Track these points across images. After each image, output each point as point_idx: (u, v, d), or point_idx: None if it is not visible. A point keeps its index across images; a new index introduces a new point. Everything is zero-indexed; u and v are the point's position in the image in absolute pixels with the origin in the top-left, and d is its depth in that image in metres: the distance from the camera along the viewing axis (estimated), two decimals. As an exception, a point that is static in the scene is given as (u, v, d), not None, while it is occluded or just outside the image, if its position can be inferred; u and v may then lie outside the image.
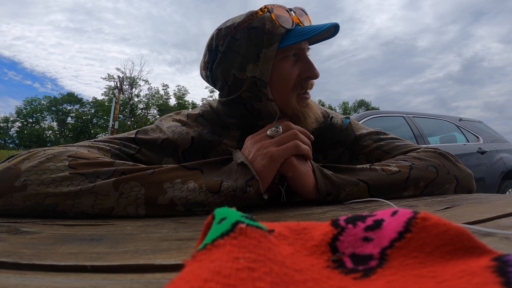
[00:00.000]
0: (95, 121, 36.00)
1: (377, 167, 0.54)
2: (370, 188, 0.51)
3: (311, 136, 0.54)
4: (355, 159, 0.67)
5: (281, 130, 0.51)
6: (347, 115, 0.75)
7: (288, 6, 0.60)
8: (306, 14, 0.61)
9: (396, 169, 0.54)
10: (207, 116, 0.66)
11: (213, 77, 0.62)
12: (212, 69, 0.61)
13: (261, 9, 0.57)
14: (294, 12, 0.58)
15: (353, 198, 0.50)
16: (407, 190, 0.54)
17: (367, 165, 0.55)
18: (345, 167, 0.54)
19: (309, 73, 0.59)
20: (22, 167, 0.41)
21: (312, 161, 0.52)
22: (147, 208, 0.41)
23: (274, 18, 0.55)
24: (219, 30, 0.59)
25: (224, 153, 0.61)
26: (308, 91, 0.62)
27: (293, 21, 0.57)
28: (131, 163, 0.46)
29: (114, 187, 0.40)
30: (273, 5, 0.58)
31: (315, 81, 0.62)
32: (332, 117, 0.71)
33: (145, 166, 0.45)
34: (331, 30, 0.60)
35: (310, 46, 0.63)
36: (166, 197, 0.42)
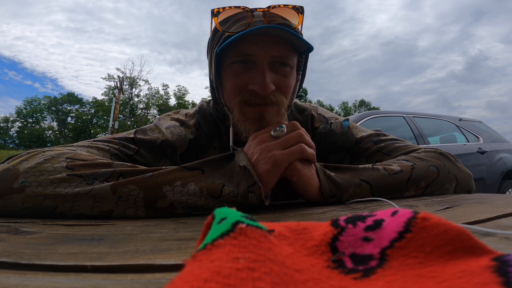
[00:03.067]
0: (95, 121, 36.03)
1: (379, 167, 0.54)
2: (372, 188, 0.51)
3: (313, 144, 0.51)
4: (356, 162, 0.66)
5: (285, 130, 0.49)
6: (347, 117, 0.74)
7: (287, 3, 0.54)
8: (299, 14, 0.54)
9: (398, 168, 0.54)
10: (203, 113, 0.67)
11: None
12: None
13: (211, 11, 0.55)
14: (264, 12, 0.52)
15: (355, 198, 0.50)
16: (408, 190, 0.54)
17: (369, 165, 0.54)
18: (347, 167, 0.53)
19: (253, 86, 0.52)
20: (21, 168, 0.41)
21: (314, 163, 0.51)
22: (147, 210, 0.41)
23: (215, 22, 0.54)
24: None
25: None
26: (277, 107, 0.53)
27: (249, 24, 0.51)
28: (130, 164, 0.45)
29: (112, 191, 0.40)
30: (229, 6, 0.54)
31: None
32: (331, 122, 0.70)
33: (144, 168, 0.44)
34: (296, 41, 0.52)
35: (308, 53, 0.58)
36: (166, 201, 0.41)
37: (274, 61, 0.53)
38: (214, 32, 0.57)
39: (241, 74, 0.53)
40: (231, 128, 0.57)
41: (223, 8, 0.54)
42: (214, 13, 0.54)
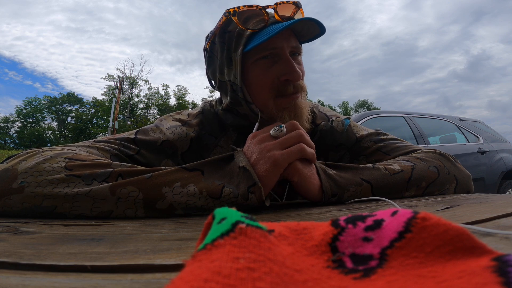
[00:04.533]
0: (95, 121, 36.02)
1: (380, 166, 0.54)
2: (373, 188, 0.50)
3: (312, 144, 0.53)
4: (356, 160, 0.66)
5: (285, 130, 0.48)
6: (348, 116, 0.74)
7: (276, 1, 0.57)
8: (299, 8, 0.58)
9: (399, 168, 0.54)
10: (207, 114, 0.67)
11: (209, 78, 0.66)
12: (207, 71, 0.65)
13: (225, 12, 0.56)
14: (274, 9, 0.56)
15: (356, 198, 0.50)
16: (409, 190, 0.54)
17: (370, 165, 0.54)
18: (348, 166, 0.53)
19: (287, 76, 0.56)
20: (19, 168, 0.41)
21: (315, 163, 0.51)
22: (146, 211, 0.41)
23: (236, 21, 0.55)
24: (207, 35, 0.62)
25: None
26: (300, 94, 0.58)
27: (267, 21, 0.55)
28: (129, 164, 0.45)
29: (110, 192, 0.40)
30: (243, 6, 0.56)
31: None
32: (332, 120, 0.70)
33: (143, 168, 0.44)
34: (314, 28, 0.57)
35: (304, 44, 0.62)
36: (165, 202, 0.41)
37: (290, 52, 0.58)
38: (222, 33, 0.58)
39: (269, 69, 0.56)
40: (257, 125, 0.58)
41: (238, 7, 0.56)
42: (232, 13, 0.56)
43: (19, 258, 0.21)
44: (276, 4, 0.57)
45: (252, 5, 0.56)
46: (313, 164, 0.50)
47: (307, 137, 0.49)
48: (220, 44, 0.58)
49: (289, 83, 0.56)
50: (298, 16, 0.58)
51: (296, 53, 0.59)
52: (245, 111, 0.60)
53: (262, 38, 0.53)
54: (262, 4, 0.58)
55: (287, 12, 0.58)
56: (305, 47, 0.64)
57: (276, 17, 0.56)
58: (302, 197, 0.51)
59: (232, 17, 0.55)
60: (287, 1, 0.57)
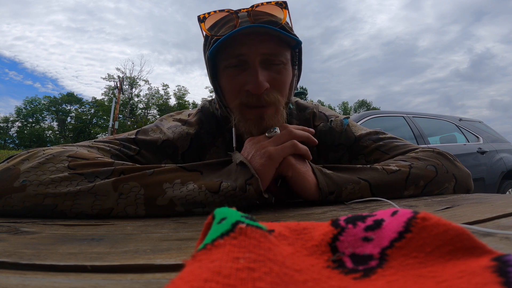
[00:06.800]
0: (95, 121, 36.02)
1: (377, 167, 0.54)
2: (371, 187, 0.51)
3: (311, 130, 0.54)
4: (355, 160, 0.67)
5: (278, 130, 0.52)
6: (347, 115, 0.74)
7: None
8: (285, 9, 0.54)
9: (396, 168, 0.54)
10: (206, 112, 0.68)
11: None
12: None
13: (198, 18, 0.56)
14: (248, 12, 0.53)
15: (355, 197, 0.50)
16: (408, 189, 0.54)
17: (368, 165, 0.55)
18: (345, 166, 0.54)
19: (247, 86, 0.52)
20: (22, 168, 0.41)
21: (311, 162, 0.52)
22: (147, 208, 0.41)
23: (203, 27, 0.55)
24: None
25: (217, 156, 0.63)
26: (270, 108, 0.53)
27: (235, 26, 0.52)
28: (131, 163, 0.46)
29: (113, 187, 0.40)
30: (214, 11, 0.55)
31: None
32: (331, 120, 0.70)
33: (144, 166, 0.45)
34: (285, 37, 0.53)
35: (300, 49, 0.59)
36: (166, 197, 0.41)
37: (265, 59, 0.53)
38: (206, 37, 0.58)
39: (236, 77, 0.54)
40: (233, 129, 0.58)
41: (209, 13, 0.55)
42: (201, 19, 0.55)
43: (19, 258, 0.21)
44: (252, 6, 0.54)
45: (223, 10, 0.55)
46: (308, 163, 0.51)
47: (298, 133, 0.51)
48: (203, 47, 0.60)
49: (252, 94, 0.52)
50: (280, 17, 0.54)
51: (271, 61, 0.54)
52: (224, 113, 0.61)
53: (216, 43, 0.51)
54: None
55: (274, 12, 0.55)
56: (305, 47, 0.63)
57: (250, 20, 0.52)
58: (301, 198, 0.52)
59: (200, 24, 0.55)
60: (267, 2, 0.54)
